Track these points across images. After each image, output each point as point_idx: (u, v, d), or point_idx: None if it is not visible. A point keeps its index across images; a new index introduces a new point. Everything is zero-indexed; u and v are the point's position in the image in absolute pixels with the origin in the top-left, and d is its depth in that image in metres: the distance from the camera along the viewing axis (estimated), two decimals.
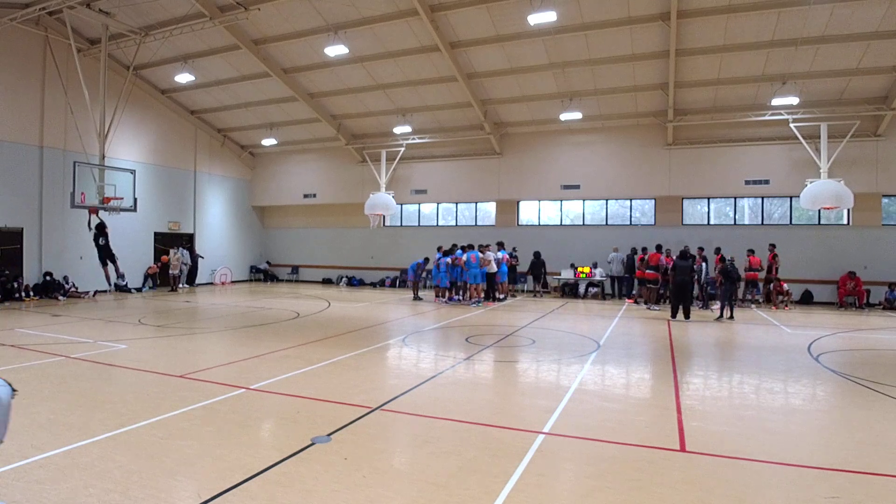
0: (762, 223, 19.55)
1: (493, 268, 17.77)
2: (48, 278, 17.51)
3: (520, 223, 22.56)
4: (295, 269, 26.62)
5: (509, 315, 14.91)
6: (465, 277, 17.54)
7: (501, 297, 18.67)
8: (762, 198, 19.43)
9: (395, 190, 22.66)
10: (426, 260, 19.37)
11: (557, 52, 16.64)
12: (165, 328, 11.97)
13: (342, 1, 15.23)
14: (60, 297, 17.18)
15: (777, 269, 17.39)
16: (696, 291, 15.93)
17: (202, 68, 19.43)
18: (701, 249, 16.96)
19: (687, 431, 5.44)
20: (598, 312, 15.85)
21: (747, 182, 18.72)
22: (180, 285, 21.33)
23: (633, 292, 18.42)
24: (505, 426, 5.57)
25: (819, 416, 6.33)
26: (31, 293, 17.03)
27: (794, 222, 19.17)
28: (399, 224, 24.80)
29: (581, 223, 21.71)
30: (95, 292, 18.62)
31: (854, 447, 5.14)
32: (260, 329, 11.94)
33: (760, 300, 17.97)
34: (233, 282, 24.96)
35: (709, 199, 20.10)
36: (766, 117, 17.53)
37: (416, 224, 24.52)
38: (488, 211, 23.20)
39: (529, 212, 22.56)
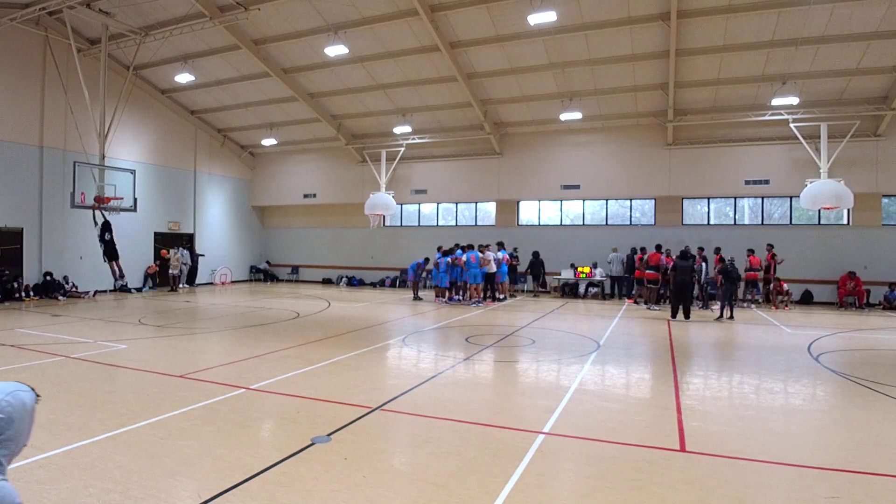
0: (762, 223, 19.55)
1: (493, 268, 17.78)
2: (48, 278, 17.51)
3: (520, 223, 22.55)
4: (295, 269, 26.62)
5: (509, 315, 14.91)
6: (465, 277, 17.55)
7: (502, 297, 18.67)
8: (762, 198, 19.43)
9: (395, 190, 22.65)
10: (426, 260, 19.37)
11: (557, 52, 16.64)
12: (165, 328, 11.97)
13: (342, 1, 15.23)
14: (60, 297, 17.18)
15: (775, 269, 17.40)
16: (696, 291, 15.93)
17: (202, 68, 19.43)
18: (701, 249, 16.97)
19: (687, 431, 5.44)
20: (598, 312, 15.85)
21: (747, 182, 18.72)
22: (180, 285, 21.33)
23: (633, 292, 18.42)
24: (505, 426, 5.57)
25: (819, 416, 6.33)
26: (31, 293, 17.04)
27: (794, 222, 19.17)
28: (399, 224, 24.80)
29: (581, 223, 21.71)
30: (95, 292, 18.63)
31: (854, 447, 5.14)
32: (260, 329, 11.94)
33: (760, 300, 17.97)
34: (233, 282, 24.96)
35: (709, 199, 20.11)
36: (766, 117, 17.53)
37: (416, 224, 24.52)
38: (488, 211, 23.19)
39: (529, 212, 22.56)
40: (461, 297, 17.99)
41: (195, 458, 4.62)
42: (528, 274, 20.96)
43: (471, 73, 18.20)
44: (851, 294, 17.35)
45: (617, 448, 5.01)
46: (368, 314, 14.85)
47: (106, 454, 4.63)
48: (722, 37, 15.09)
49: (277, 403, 6.33)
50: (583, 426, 5.62)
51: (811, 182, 16.82)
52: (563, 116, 19.10)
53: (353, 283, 24.78)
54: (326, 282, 25.62)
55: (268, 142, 23.87)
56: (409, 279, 19.43)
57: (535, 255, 20.37)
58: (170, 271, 21.03)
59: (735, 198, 19.79)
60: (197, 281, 22.86)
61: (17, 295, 16.51)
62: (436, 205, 23.98)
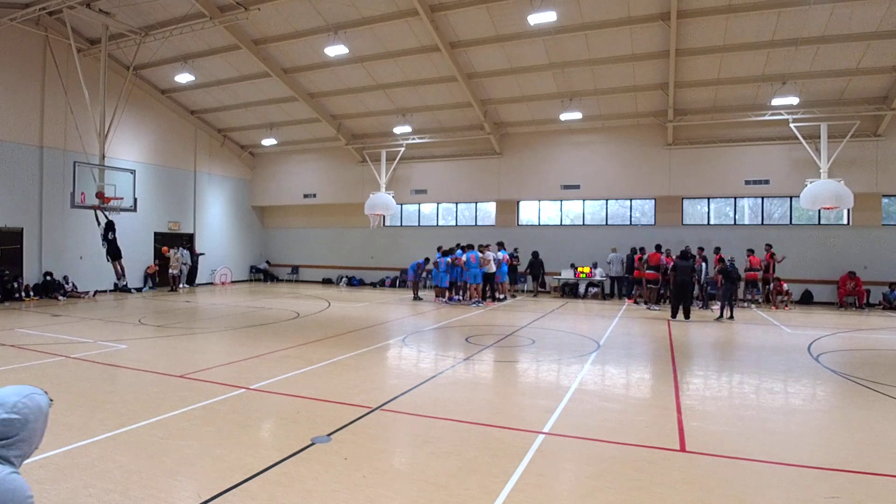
0: (762, 223, 19.55)
1: (493, 268, 17.77)
2: (48, 278, 17.51)
3: (520, 223, 22.55)
4: (295, 269, 26.62)
5: (509, 315, 14.91)
6: (465, 277, 17.55)
7: (501, 297, 18.68)
8: (762, 198, 19.43)
9: (395, 190, 22.65)
10: (426, 260, 19.37)
11: (557, 52, 16.64)
12: (165, 328, 11.97)
13: (342, 1, 15.23)
14: (60, 297, 17.18)
15: (774, 268, 17.40)
16: (696, 291, 15.93)
17: (202, 68, 19.43)
18: (701, 249, 16.97)
19: (687, 431, 5.44)
20: (598, 312, 15.85)
21: (747, 182, 18.72)
22: (180, 285, 21.32)
23: (633, 292, 18.42)
24: (505, 426, 5.57)
25: (819, 416, 6.33)
26: (31, 293, 17.03)
27: (794, 222, 19.16)
28: (399, 224, 24.79)
29: (581, 223, 21.71)
30: (95, 292, 18.63)
31: (854, 447, 5.14)
32: (260, 329, 11.94)
33: (760, 300, 17.97)
34: (233, 282, 24.95)
35: (709, 199, 20.10)
36: (766, 117, 17.52)
37: (416, 224, 24.52)
38: (488, 211, 23.19)
39: (529, 212, 22.56)
40: (461, 297, 17.99)
41: (195, 458, 4.62)
42: (527, 274, 20.96)
43: (471, 73, 18.20)
44: (851, 294, 17.35)
45: (617, 448, 5.01)
46: (368, 314, 14.85)
47: (106, 454, 4.63)
48: (722, 37, 15.09)
49: (277, 403, 6.33)
50: (583, 426, 5.62)
51: (811, 182, 16.81)
52: (563, 116, 19.10)
53: (353, 283, 24.77)
54: (326, 282, 25.61)
55: (268, 142, 23.87)
56: (409, 279, 19.43)
57: (535, 255, 20.38)
58: (170, 271, 21.03)
59: (735, 198, 19.78)
60: (197, 281, 22.85)
61: (17, 295, 16.51)
62: (436, 205, 23.97)
